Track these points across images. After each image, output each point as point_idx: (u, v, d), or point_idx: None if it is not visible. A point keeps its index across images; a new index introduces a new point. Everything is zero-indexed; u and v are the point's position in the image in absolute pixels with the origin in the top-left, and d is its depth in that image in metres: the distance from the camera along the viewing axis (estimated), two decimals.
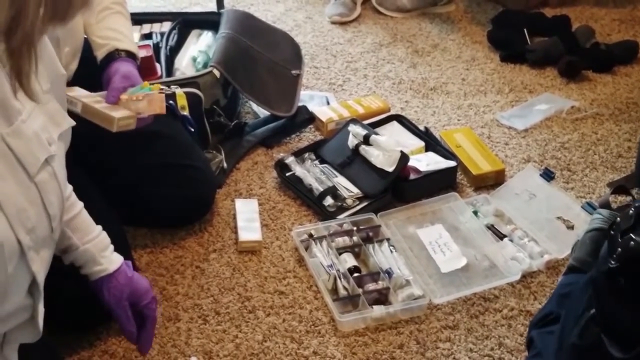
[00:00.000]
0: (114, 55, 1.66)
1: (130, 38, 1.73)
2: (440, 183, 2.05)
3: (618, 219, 1.17)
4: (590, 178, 2.10)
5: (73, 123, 1.13)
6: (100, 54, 1.67)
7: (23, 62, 0.88)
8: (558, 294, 1.61)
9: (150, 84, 1.62)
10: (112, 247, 1.35)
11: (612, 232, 1.16)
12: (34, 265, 1.02)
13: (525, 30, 2.74)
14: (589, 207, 1.92)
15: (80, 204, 1.31)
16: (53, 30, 0.92)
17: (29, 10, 0.83)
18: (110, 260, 1.33)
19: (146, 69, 1.97)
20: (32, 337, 1.11)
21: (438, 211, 1.96)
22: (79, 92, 1.57)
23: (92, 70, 1.67)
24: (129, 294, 1.34)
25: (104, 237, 1.34)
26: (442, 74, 2.62)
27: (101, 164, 1.74)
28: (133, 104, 1.57)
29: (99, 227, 1.34)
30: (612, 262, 1.12)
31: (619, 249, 1.11)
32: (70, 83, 1.59)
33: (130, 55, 1.68)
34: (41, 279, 1.06)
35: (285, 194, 2.06)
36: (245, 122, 2.27)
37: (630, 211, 1.15)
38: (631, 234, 1.11)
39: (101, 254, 1.32)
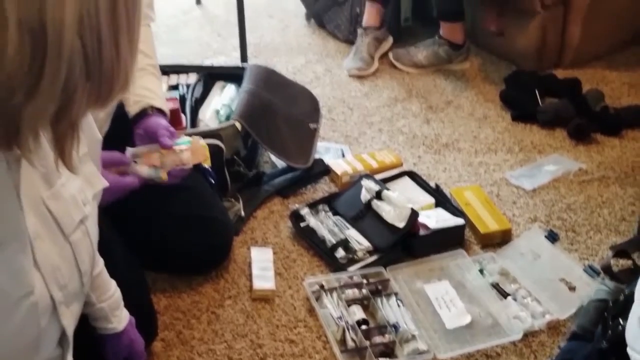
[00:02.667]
0: (147, 111, 1.76)
1: (163, 98, 1.84)
2: (449, 240, 2.12)
3: (610, 303, 1.25)
4: (594, 240, 2.17)
5: (107, 184, 1.21)
6: (133, 110, 1.77)
7: (66, 142, 0.93)
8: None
9: (188, 135, 1.74)
10: (122, 304, 1.44)
11: (605, 315, 1.25)
12: (65, 319, 1.10)
13: (536, 91, 2.83)
14: (591, 271, 1.99)
15: (101, 263, 1.38)
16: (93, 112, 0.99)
17: (75, 100, 0.87)
18: (119, 320, 1.42)
19: (173, 121, 2.06)
20: None
21: (445, 267, 2.03)
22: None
23: (116, 128, 1.77)
24: (127, 355, 1.47)
25: (118, 296, 1.42)
26: (454, 131, 2.71)
27: (124, 213, 1.82)
28: (177, 156, 1.68)
29: (114, 284, 1.41)
30: (604, 343, 1.20)
31: (609, 332, 1.20)
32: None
33: (161, 113, 1.79)
34: (70, 331, 1.13)
35: (299, 243, 2.14)
36: (263, 172, 2.37)
37: (621, 297, 1.24)
38: (620, 319, 1.20)
39: (114, 312, 1.40)
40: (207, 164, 1.95)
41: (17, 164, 0.98)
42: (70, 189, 1.09)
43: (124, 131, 1.78)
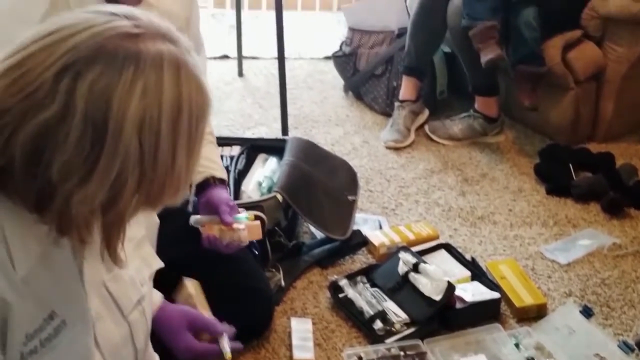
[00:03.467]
0: (209, 182, 1.86)
1: (222, 167, 1.95)
2: (485, 313, 2.16)
3: None
4: (628, 316, 2.19)
5: (162, 265, 1.29)
6: (196, 179, 1.87)
7: (112, 236, 0.99)
8: None
9: (245, 210, 1.84)
10: None
11: None
12: None
13: (570, 165, 2.89)
14: (625, 347, 2.02)
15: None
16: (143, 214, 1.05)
17: (125, 195, 0.94)
18: None
19: None
20: None
21: (482, 341, 2.07)
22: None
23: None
24: None
25: None
26: (489, 204, 2.76)
27: (170, 280, 1.90)
28: (235, 234, 1.78)
29: (157, 359, 1.46)
30: None
31: None
32: None
33: (222, 182, 1.89)
34: None
35: (338, 314, 2.19)
36: (302, 243, 2.43)
37: None
38: None
39: None
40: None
41: (82, 252, 1.06)
42: (128, 271, 1.16)
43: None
